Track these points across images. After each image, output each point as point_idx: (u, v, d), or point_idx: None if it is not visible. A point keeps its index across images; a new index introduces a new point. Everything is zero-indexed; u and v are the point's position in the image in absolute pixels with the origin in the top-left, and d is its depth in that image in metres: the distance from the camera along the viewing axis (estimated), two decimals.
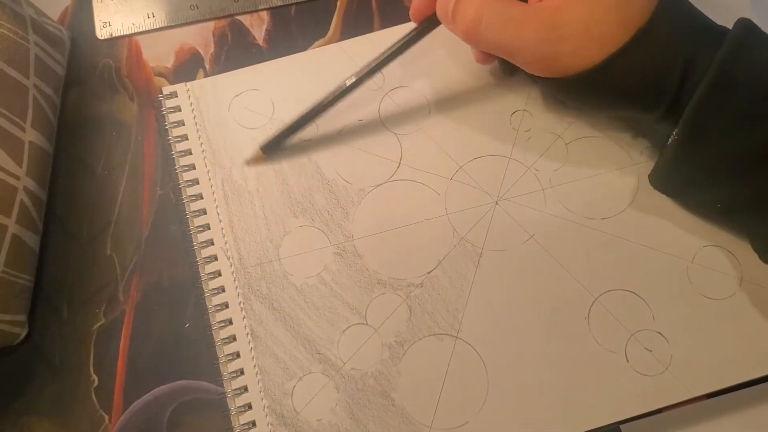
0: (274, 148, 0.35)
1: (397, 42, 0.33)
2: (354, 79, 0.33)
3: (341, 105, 0.36)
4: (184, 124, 0.36)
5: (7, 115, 0.32)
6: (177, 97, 0.36)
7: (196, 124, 0.36)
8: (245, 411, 0.32)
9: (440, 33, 0.37)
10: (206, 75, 0.38)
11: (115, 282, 0.35)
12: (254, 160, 0.33)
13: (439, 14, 0.32)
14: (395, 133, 0.36)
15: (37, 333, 0.34)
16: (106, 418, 0.33)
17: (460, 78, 0.36)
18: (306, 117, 0.34)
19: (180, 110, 0.36)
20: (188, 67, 0.38)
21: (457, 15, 0.30)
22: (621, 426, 0.31)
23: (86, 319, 0.34)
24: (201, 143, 0.35)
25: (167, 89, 0.36)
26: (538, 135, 0.35)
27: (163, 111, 0.36)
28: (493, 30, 0.29)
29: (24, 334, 0.33)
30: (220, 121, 0.36)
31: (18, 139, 0.32)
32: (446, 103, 0.36)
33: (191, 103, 0.36)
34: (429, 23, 0.33)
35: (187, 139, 0.36)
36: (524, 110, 0.35)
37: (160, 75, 0.38)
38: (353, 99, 0.36)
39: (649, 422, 0.32)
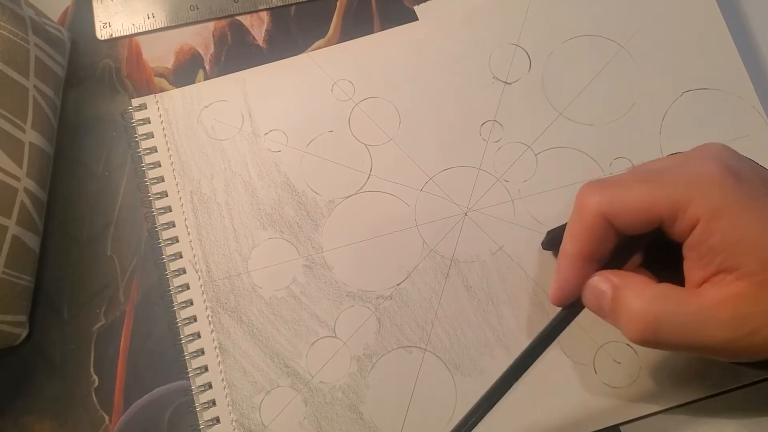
0: None
1: (541, 334, 0.29)
2: (500, 380, 0.29)
3: (311, 115, 0.36)
4: (153, 137, 0.36)
5: (7, 116, 0.32)
6: (146, 109, 0.36)
7: (165, 136, 0.36)
8: (213, 425, 0.32)
9: (408, 38, 0.37)
10: (206, 76, 0.37)
11: (115, 283, 0.35)
12: None
13: (589, 306, 0.27)
14: (365, 144, 0.35)
15: (38, 333, 0.34)
16: (107, 418, 0.33)
17: (430, 88, 0.36)
18: (474, 416, 0.29)
19: (149, 122, 0.36)
20: (188, 68, 0.38)
21: (620, 314, 0.26)
22: (621, 426, 0.31)
23: (87, 319, 0.34)
24: (170, 155, 0.35)
25: (136, 101, 0.36)
26: (508, 146, 0.35)
27: (132, 123, 0.36)
28: (671, 335, 0.24)
29: (25, 334, 0.33)
30: (190, 133, 0.36)
31: (18, 140, 0.32)
32: (416, 113, 0.36)
33: (160, 115, 0.36)
34: (576, 308, 0.28)
35: (156, 151, 0.35)
36: (494, 121, 0.35)
37: (160, 76, 0.38)
38: (323, 109, 0.36)
39: (649, 422, 0.32)
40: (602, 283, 0.26)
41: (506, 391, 0.29)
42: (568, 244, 0.27)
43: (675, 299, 0.25)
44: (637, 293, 0.25)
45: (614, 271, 0.27)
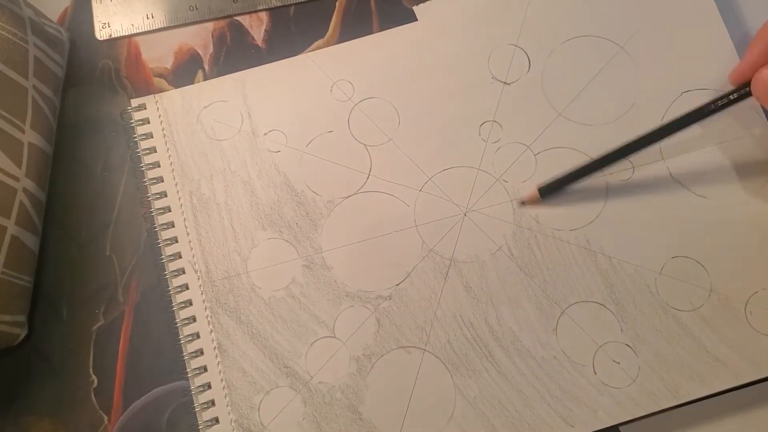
0: (554, 191, 0.32)
1: (697, 109, 0.31)
2: (652, 129, 0.31)
3: (310, 115, 0.36)
4: (152, 137, 0.36)
5: (7, 117, 0.32)
6: (146, 109, 0.36)
7: (164, 136, 0.36)
8: (212, 425, 0.32)
9: (407, 38, 0.37)
10: (205, 76, 0.38)
11: (114, 283, 0.35)
12: (531, 200, 0.32)
13: (757, 91, 0.29)
14: (365, 145, 0.35)
15: (37, 334, 0.34)
16: (106, 418, 0.33)
17: (429, 89, 0.36)
18: (592, 166, 0.31)
19: (148, 122, 0.36)
20: (187, 68, 0.38)
21: None
22: (620, 427, 0.31)
23: (86, 319, 0.34)
24: (169, 155, 0.35)
25: (136, 101, 0.36)
26: (507, 146, 0.35)
27: (132, 123, 0.36)
28: None
29: (24, 334, 0.33)
30: (189, 133, 0.36)
31: (17, 140, 0.32)
32: (415, 114, 0.36)
33: (160, 116, 0.36)
34: (741, 93, 0.31)
35: (156, 151, 0.35)
36: (493, 121, 0.35)
37: (160, 76, 0.38)
38: (322, 110, 0.36)
39: (649, 422, 0.32)
40: None
41: (645, 147, 0.31)
42: None
43: None
44: None
45: None
